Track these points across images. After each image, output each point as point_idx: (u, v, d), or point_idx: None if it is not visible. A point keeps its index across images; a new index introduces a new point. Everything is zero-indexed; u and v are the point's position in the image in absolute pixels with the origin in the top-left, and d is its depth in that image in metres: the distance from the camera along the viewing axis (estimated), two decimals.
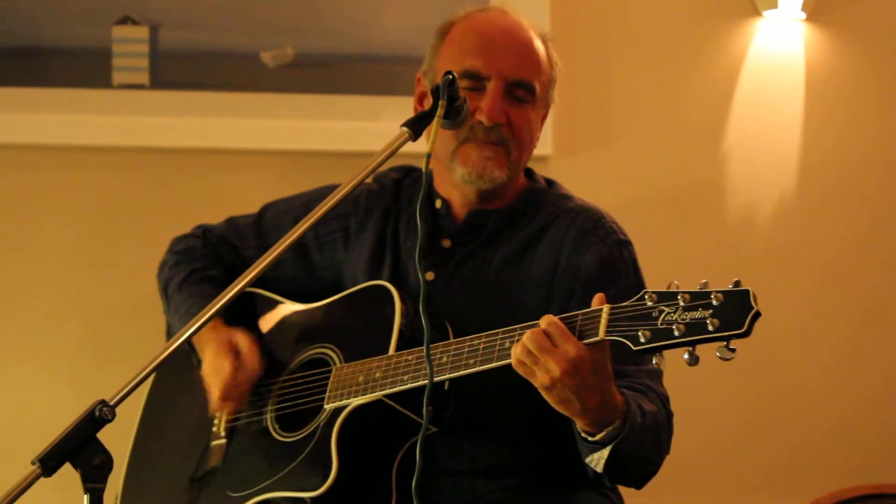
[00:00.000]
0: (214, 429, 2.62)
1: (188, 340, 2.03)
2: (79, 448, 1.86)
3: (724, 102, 3.54)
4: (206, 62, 3.41)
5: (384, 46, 3.43)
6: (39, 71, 3.38)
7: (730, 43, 3.54)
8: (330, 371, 2.47)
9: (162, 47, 3.39)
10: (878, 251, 3.56)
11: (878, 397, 3.54)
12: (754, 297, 1.95)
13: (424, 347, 2.20)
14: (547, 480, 2.49)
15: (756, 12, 3.52)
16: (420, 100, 2.61)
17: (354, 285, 2.57)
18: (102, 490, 1.87)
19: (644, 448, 2.27)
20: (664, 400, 2.38)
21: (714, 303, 1.96)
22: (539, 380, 2.13)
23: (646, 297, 2.03)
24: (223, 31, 3.41)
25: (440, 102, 2.27)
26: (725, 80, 3.54)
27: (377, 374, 2.36)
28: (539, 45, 2.54)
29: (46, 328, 3.37)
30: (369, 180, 2.63)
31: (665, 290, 2.02)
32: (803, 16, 3.51)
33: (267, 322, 2.69)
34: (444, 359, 2.28)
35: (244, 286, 2.05)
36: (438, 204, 2.60)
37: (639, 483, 2.38)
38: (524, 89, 2.51)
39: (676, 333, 1.98)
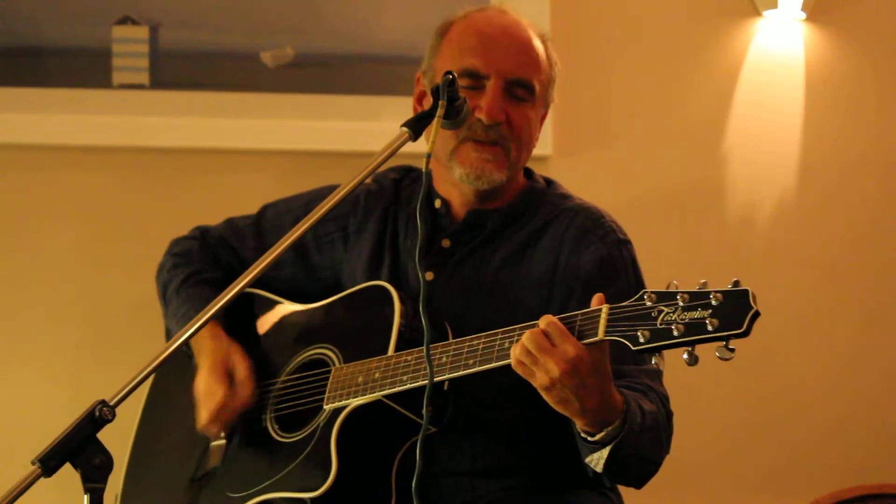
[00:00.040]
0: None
1: (186, 343, 2.03)
2: (79, 448, 1.86)
3: (724, 102, 3.54)
4: (206, 62, 3.41)
5: (384, 46, 3.43)
6: (39, 71, 3.38)
7: (730, 43, 3.54)
8: (329, 371, 2.47)
9: (162, 47, 3.39)
10: (878, 251, 3.56)
11: (878, 397, 3.54)
12: (753, 296, 1.95)
13: (424, 347, 2.21)
14: (547, 480, 2.49)
15: (756, 12, 3.52)
16: (419, 99, 2.61)
17: (354, 286, 2.57)
18: (102, 490, 1.87)
19: (644, 448, 2.27)
20: (664, 400, 2.38)
21: (713, 303, 1.96)
22: (538, 380, 2.13)
23: (645, 297, 2.03)
24: (223, 31, 3.41)
25: (440, 102, 2.27)
26: (725, 80, 3.54)
27: (376, 375, 2.36)
28: (538, 44, 2.54)
29: (46, 328, 3.37)
30: (368, 180, 2.63)
31: (664, 290, 2.02)
32: (803, 16, 3.51)
33: (266, 323, 2.69)
34: (444, 359, 2.28)
35: (243, 287, 2.05)
36: (438, 204, 2.60)
37: (639, 483, 2.38)
38: (523, 88, 2.51)
39: (676, 333, 1.98)
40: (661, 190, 3.51)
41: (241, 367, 2.55)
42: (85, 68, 3.37)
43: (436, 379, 2.26)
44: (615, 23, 3.54)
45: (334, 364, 2.47)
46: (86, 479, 1.86)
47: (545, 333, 2.12)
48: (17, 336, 3.37)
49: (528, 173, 2.65)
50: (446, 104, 2.27)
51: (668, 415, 2.38)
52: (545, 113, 2.60)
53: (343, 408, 2.39)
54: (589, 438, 2.22)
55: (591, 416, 2.17)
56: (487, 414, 2.45)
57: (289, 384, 2.55)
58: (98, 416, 1.87)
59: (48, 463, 1.85)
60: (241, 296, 2.05)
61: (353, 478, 2.36)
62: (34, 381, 3.36)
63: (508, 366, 2.16)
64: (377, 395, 2.35)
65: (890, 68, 3.58)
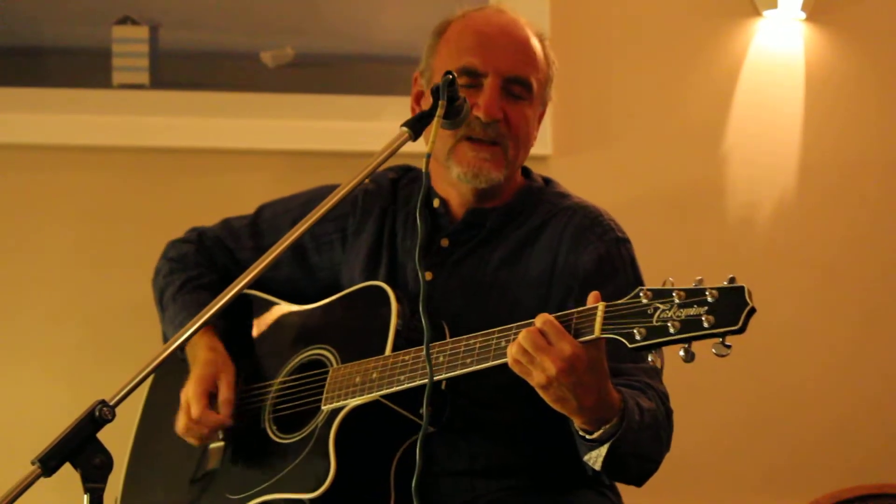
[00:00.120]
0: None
1: (181, 348, 2.03)
2: (79, 448, 1.86)
3: (724, 102, 3.54)
4: (206, 62, 3.41)
5: (384, 46, 3.43)
6: (39, 71, 3.38)
7: (730, 43, 3.54)
8: (327, 372, 2.47)
9: (162, 47, 3.39)
10: (878, 251, 3.56)
11: (878, 397, 3.54)
12: (749, 293, 1.95)
13: (424, 347, 2.20)
14: (546, 480, 2.49)
15: (756, 12, 3.52)
16: (417, 99, 2.61)
17: (352, 286, 2.57)
18: (102, 490, 1.87)
19: (642, 446, 2.27)
20: (663, 397, 2.38)
21: (709, 299, 1.96)
22: (535, 379, 2.13)
23: (641, 294, 2.03)
24: (223, 31, 3.41)
25: (440, 102, 2.27)
26: (725, 80, 3.54)
27: (374, 375, 2.36)
28: (536, 43, 2.54)
29: (46, 328, 3.37)
30: (367, 181, 2.63)
31: (660, 287, 2.03)
32: (803, 16, 3.51)
33: (264, 324, 2.69)
34: (441, 358, 2.27)
35: (242, 288, 2.04)
36: (436, 203, 2.60)
37: (638, 481, 2.38)
38: (521, 86, 2.51)
39: (672, 330, 1.98)
40: (661, 190, 3.51)
41: (225, 390, 2.55)
42: (85, 68, 3.37)
43: (434, 378, 2.26)
44: (615, 23, 3.54)
45: (332, 365, 2.47)
46: (86, 479, 1.86)
47: (541, 332, 2.12)
48: (17, 336, 3.37)
49: (526, 172, 2.64)
50: (446, 104, 2.27)
51: (668, 413, 2.38)
52: (543, 112, 2.59)
53: (341, 408, 2.39)
54: (587, 436, 2.22)
55: (588, 414, 2.18)
56: (485, 413, 2.45)
57: (287, 385, 2.55)
58: (98, 416, 1.87)
59: (48, 463, 1.85)
60: (238, 297, 2.05)
61: (352, 478, 2.36)
62: (34, 381, 3.36)
63: (506, 365, 2.16)
64: (375, 395, 2.35)
65: (890, 68, 3.58)
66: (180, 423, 2.54)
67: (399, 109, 2.69)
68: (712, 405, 3.46)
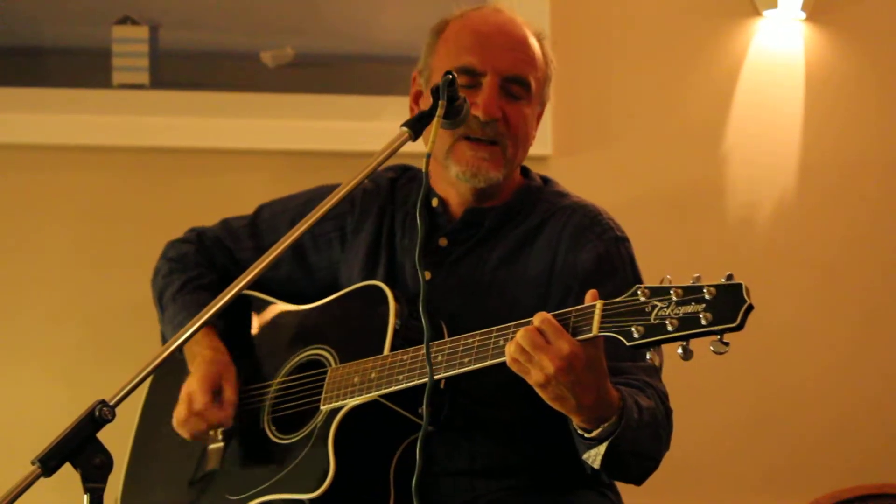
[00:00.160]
0: (211, 432, 2.61)
1: (179, 348, 2.03)
2: (79, 448, 1.86)
3: (724, 102, 3.54)
4: (206, 62, 3.41)
5: (384, 46, 3.43)
6: (39, 71, 3.38)
7: (730, 43, 3.54)
8: (326, 372, 2.47)
9: (162, 47, 3.39)
10: (878, 251, 3.56)
11: (878, 397, 3.54)
12: (747, 290, 1.95)
13: (424, 347, 2.20)
14: (546, 480, 2.49)
15: (756, 12, 3.52)
16: (415, 98, 2.61)
17: (350, 285, 2.57)
18: (102, 490, 1.87)
19: (641, 444, 2.27)
20: (663, 396, 2.38)
21: (707, 297, 1.96)
22: (534, 377, 2.13)
23: (639, 292, 2.03)
24: (223, 31, 3.42)
25: (440, 102, 2.26)
26: (725, 80, 3.54)
27: (373, 375, 2.36)
28: (534, 42, 2.54)
29: (46, 328, 3.37)
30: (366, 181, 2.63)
31: (658, 284, 2.02)
32: (803, 16, 3.51)
33: (262, 324, 2.69)
34: (439, 357, 2.27)
35: (242, 288, 2.04)
36: (435, 202, 2.59)
37: (638, 480, 2.38)
38: (520, 85, 2.51)
39: (669, 328, 1.98)
40: (661, 190, 3.51)
41: (230, 391, 2.55)
42: (85, 68, 3.37)
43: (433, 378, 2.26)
44: (615, 23, 3.54)
45: (330, 365, 2.47)
46: (86, 479, 1.86)
47: (539, 330, 2.12)
48: (17, 336, 3.37)
49: (525, 172, 2.64)
50: (446, 104, 2.27)
51: (667, 411, 2.37)
52: (541, 111, 2.59)
53: (340, 408, 2.39)
54: (586, 435, 2.22)
55: (587, 412, 2.18)
56: (484, 412, 2.45)
57: (285, 385, 2.55)
58: (98, 416, 1.87)
59: (48, 463, 1.85)
60: (237, 297, 2.05)
61: (352, 478, 2.36)
62: (34, 381, 3.36)
63: (504, 363, 2.16)
64: (374, 394, 2.35)
65: (890, 68, 3.58)
66: (179, 414, 2.53)
67: (399, 109, 2.69)
68: (712, 405, 3.46)
